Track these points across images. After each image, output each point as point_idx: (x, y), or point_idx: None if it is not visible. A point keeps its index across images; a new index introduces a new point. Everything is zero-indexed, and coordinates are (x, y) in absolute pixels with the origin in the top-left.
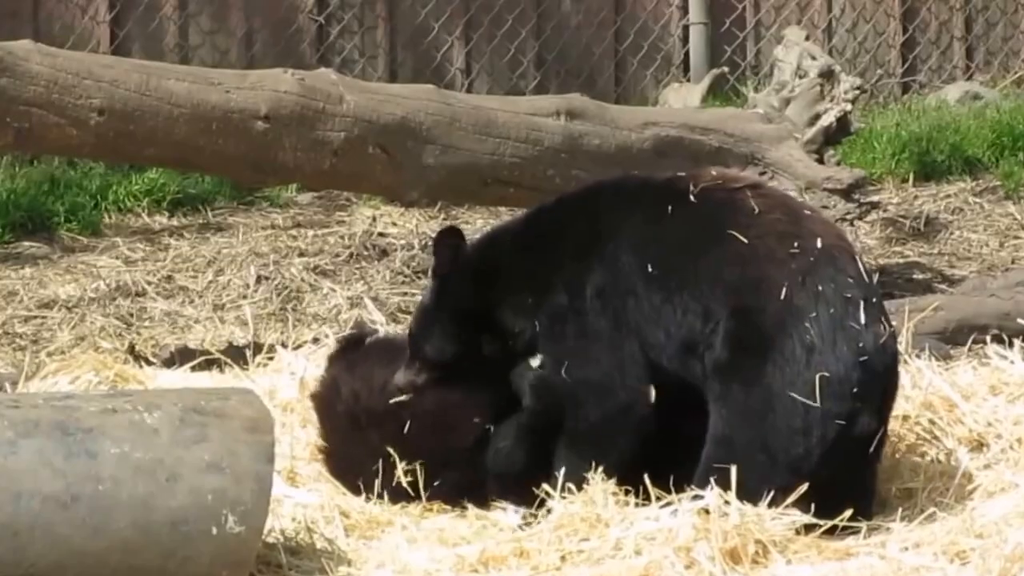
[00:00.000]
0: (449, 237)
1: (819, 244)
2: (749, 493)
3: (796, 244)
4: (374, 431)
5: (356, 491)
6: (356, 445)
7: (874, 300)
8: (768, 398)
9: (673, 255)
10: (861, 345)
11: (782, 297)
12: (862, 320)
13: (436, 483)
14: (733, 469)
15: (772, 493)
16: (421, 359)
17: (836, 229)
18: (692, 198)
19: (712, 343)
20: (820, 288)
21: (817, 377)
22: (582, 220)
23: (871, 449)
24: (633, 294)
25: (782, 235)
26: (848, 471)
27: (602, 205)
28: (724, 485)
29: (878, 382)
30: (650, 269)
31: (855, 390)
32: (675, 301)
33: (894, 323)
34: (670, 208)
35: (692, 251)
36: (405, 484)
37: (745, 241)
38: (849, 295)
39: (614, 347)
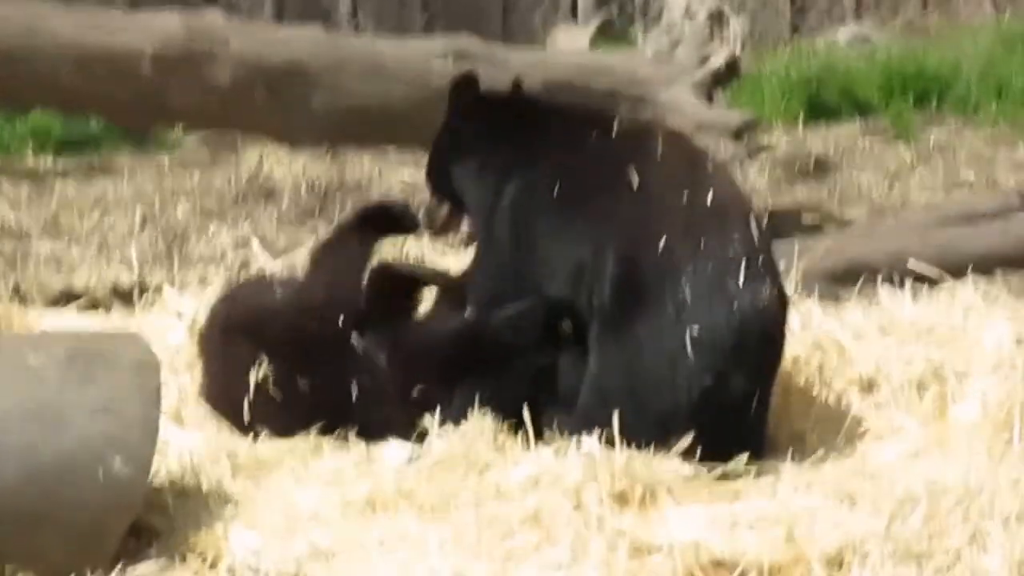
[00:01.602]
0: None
1: (709, 198)
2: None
3: (686, 196)
4: (242, 341)
5: (231, 416)
6: (227, 361)
7: (760, 260)
8: (638, 350)
9: (579, 184)
10: (736, 305)
11: (661, 247)
12: (741, 280)
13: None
14: (615, 415)
15: (643, 443)
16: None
17: (735, 187)
18: (613, 133)
19: (599, 284)
20: (702, 243)
21: (687, 332)
22: (527, 133)
23: (748, 408)
24: (542, 215)
25: (676, 185)
26: (724, 428)
27: (545, 126)
28: (600, 428)
29: (752, 342)
30: (555, 195)
31: (727, 350)
32: (572, 228)
33: (783, 264)
34: (593, 136)
35: (595, 184)
36: (272, 391)
37: (635, 183)
38: (731, 253)
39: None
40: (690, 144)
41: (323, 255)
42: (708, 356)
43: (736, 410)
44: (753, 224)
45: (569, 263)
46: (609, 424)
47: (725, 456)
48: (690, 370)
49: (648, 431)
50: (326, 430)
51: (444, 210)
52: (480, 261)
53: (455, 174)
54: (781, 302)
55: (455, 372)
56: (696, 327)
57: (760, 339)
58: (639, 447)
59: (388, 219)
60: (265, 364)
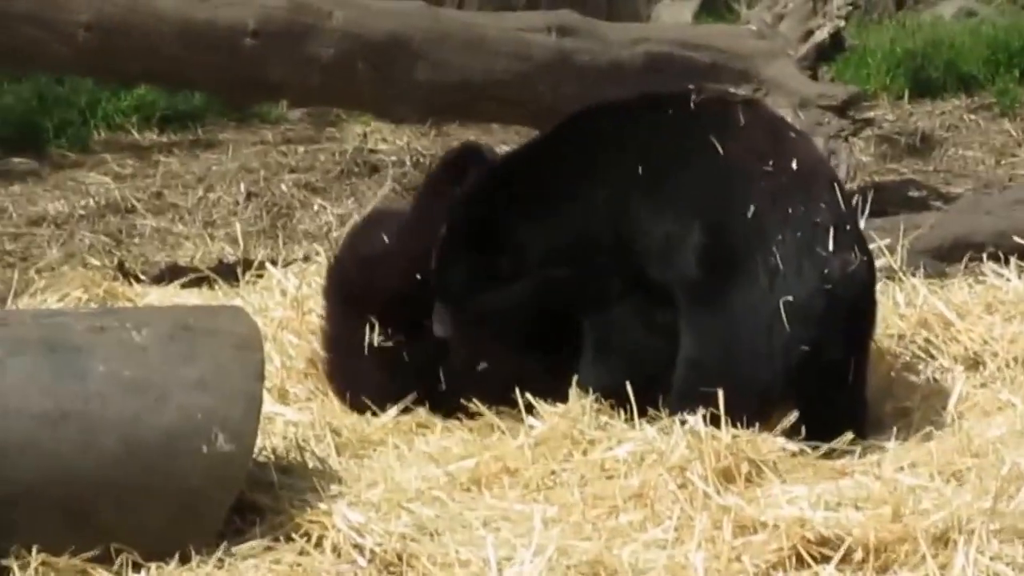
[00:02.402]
0: (468, 157)
1: (794, 165)
2: (717, 409)
3: (771, 163)
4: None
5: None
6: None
7: (847, 227)
8: (732, 322)
9: (660, 159)
10: (827, 272)
11: (750, 215)
12: (830, 246)
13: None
14: (720, 394)
15: (745, 419)
16: (451, 301)
17: (817, 153)
18: (691, 106)
19: (684, 255)
20: (790, 211)
21: (780, 302)
22: (592, 137)
23: (845, 378)
24: (626, 196)
25: (761, 153)
26: (822, 398)
27: (608, 123)
28: (702, 406)
29: (844, 310)
30: (640, 171)
31: (820, 317)
32: (657, 203)
33: (888, 240)
34: (670, 112)
35: (677, 158)
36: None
37: (721, 152)
38: (819, 220)
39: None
40: (770, 113)
41: (416, 205)
42: (802, 324)
43: (834, 378)
44: (838, 191)
45: (657, 237)
46: (708, 399)
47: (827, 426)
48: (786, 339)
49: (748, 403)
50: (425, 396)
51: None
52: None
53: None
54: (870, 269)
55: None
56: (790, 296)
57: (852, 305)
58: (740, 420)
59: (475, 158)
60: (374, 330)
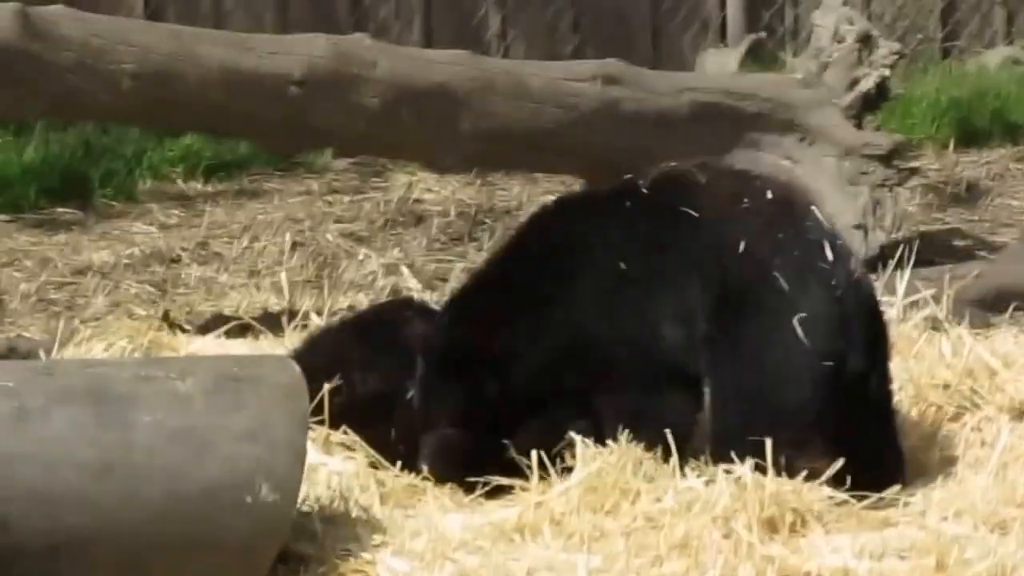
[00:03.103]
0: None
1: (770, 196)
2: (761, 452)
3: (747, 200)
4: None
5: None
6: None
7: (839, 243)
8: (753, 357)
9: (640, 249)
10: (833, 282)
11: (742, 253)
12: (829, 258)
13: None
14: (768, 443)
15: (787, 450)
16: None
17: (788, 184)
18: (644, 190)
19: (694, 319)
20: (780, 236)
21: (795, 321)
22: (551, 249)
23: (873, 387)
24: (616, 293)
25: (732, 196)
26: (867, 441)
27: (564, 228)
28: (747, 453)
29: (858, 317)
30: (623, 267)
31: (836, 326)
32: (652, 293)
33: (934, 290)
34: (628, 204)
35: (655, 239)
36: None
37: (697, 214)
38: (811, 237)
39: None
40: (726, 165)
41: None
42: (821, 338)
43: (862, 392)
44: (818, 214)
45: (666, 317)
46: (748, 442)
47: (874, 473)
48: (807, 357)
49: (783, 430)
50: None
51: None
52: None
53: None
54: (869, 279)
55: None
56: (802, 313)
57: (865, 309)
58: (779, 452)
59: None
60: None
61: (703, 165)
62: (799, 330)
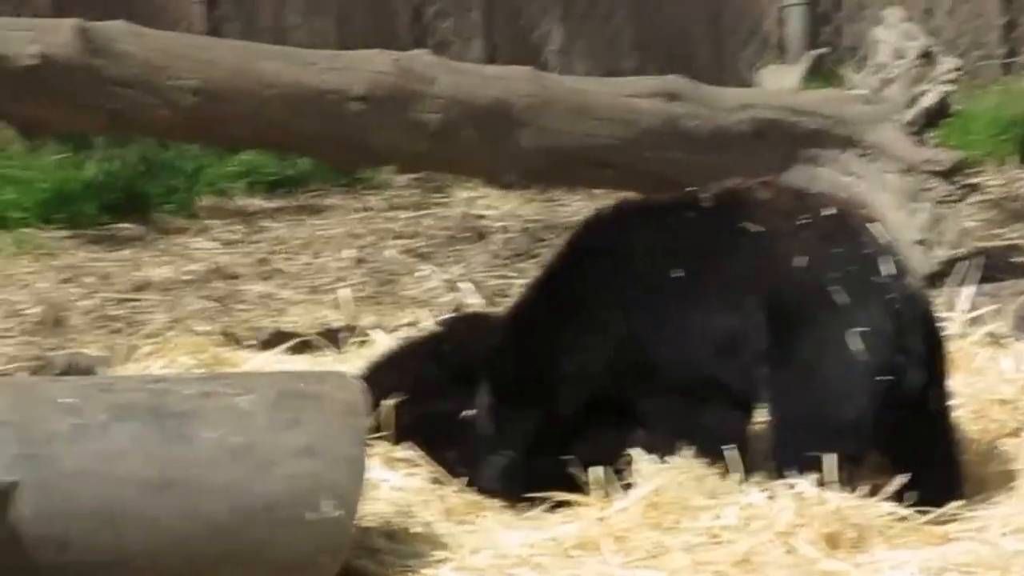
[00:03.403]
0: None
1: (827, 212)
2: (820, 467)
3: (805, 217)
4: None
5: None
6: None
7: (895, 257)
8: (811, 373)
9: (695, 262)
10: (890, 297)
11: (801, 268)
12: (884, 272)
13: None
14: (830, 457)
15: (846, 465)
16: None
17: (846, 199)
18: (704, 203)
19: (749, 336)
20: (837, 251)
21: (853, 335)
22: (607, 259)
23: (932, 408)
24: (667, 311)
25: (790, 212)
26: (916, 433)
27: (620, 236)
28: (806, 468)
29: (916, 330)
30: (681, 278)
31: (893, 339)
32: (707, 306)
33: (995, 306)
34: (687, 216)
35: (712, 253)
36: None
37: (756, 229)
38: (867, 251)
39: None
40: (786, 182)
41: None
42: (879, 351)
43: (921, 405)
44: (874, 229)
45: (714, 332)
46: (808, 457)
47: (930, 487)
48: (865, 371)
49: (842, 444)
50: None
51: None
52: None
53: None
54: (925, 291)
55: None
56: (860, 327)
57: (922, 322)
58: (838, 466)
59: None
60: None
61: (765, 183)
62: (856, 345)
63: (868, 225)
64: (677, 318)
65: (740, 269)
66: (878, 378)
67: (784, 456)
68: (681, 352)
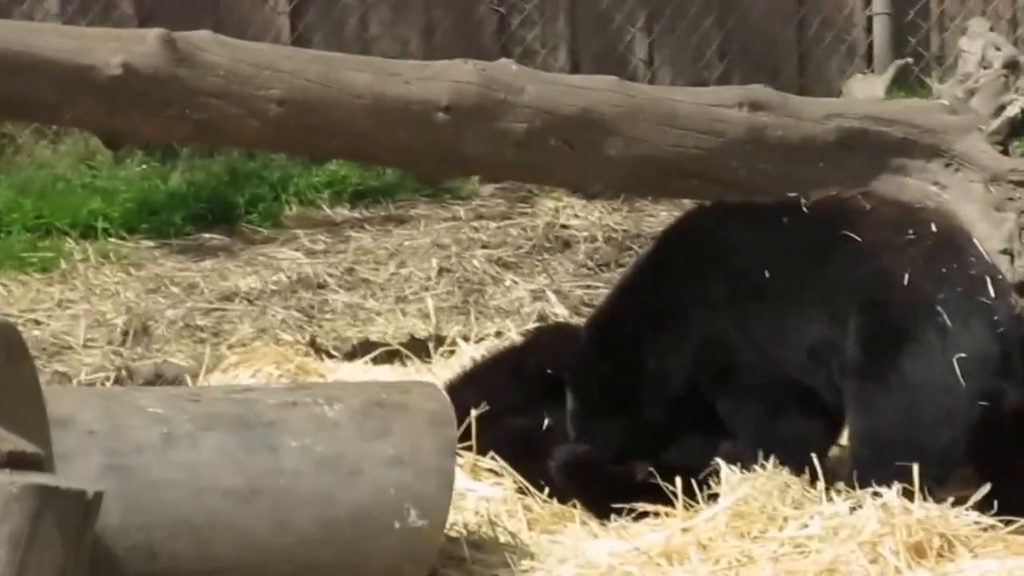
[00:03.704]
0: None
1: (934, 228)
2: (903, 479)
3: (911, 231)
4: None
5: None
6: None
7: (999, 277)
8: (908, 391)
9: (792, 267)
10: (996, 319)
11: (906, 284)
12: (991, 294)
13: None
14: (915, 467)
15: (930, 483)
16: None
17: (949, 215)
18: (805, 210)
19: (841, 345)
20: (944, 270)
21: (955, 360)
22: (698, 267)
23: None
24: (763, 310)
25: (896, 225)
26: (1014, 464)
27: (712, 237)
28: (888, 482)
29: (1019, 353)
30: (773, 283)
31: (997, 364)
32: (800, 312)
33: None
34: (785, 220)
35: (811, 259)
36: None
37: (860, 239)
38: (973, 272)
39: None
40: (889, 194)
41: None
42: (980, 376)
43: (1016, 426)
44: (978, 244)
45: (807, 340)
46: (894, 471)
47: (1017, 495)
48: (964, 396)
49: (931, 468)
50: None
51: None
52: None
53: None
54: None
55: None
56: (963, 352)
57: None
58: (925, 486)
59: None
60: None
61: (867, 193)
62: (958, 369)
63: (973, 242)
64: (765, 321)
65: (839, 278)
66: (978, 404)
67: (868, 471)
68: (770, 357)
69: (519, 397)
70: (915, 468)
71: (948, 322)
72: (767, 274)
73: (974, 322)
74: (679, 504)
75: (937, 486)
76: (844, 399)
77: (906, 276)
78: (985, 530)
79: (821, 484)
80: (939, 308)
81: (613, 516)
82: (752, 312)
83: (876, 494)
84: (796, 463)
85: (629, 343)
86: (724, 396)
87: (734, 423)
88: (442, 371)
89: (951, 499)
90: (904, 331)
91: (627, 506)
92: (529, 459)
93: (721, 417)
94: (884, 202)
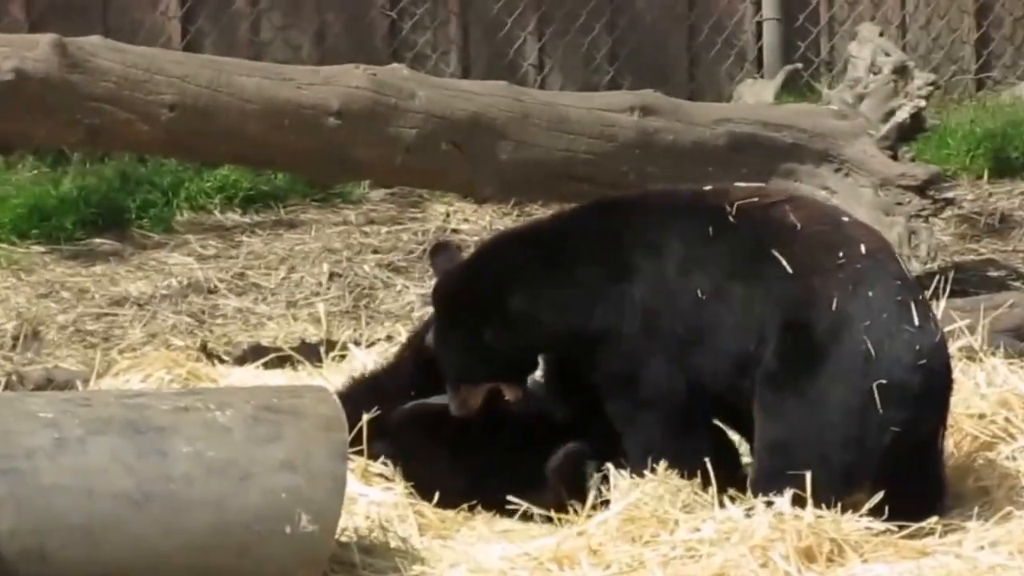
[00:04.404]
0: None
1: (863, 250)
2: (800, 488)
3: (841, 254)
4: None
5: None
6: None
7: (921, 298)
8: (823, 409)
9: (721, 278)
10: (918, 348)
11: (833, 308)
12: (916, 322)
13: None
14: (808, 476)
15: (831, 501)
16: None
17: (875, 232)
18: (731, 218)
19: (762, 358)
20: (871, 294)
21: (875, 386)
22: (614, 238)
23: (933, 453)
24: (682, 319)
25: (827, 246)
26: (910, 473)
27: (636, 224)
28: (788, 487)
29: (938, 382)
30: (699, 294)
31: (916, 395)
32: (727, 325)
33: (968, 321)
34: (711, 229)
35: (740, 274)
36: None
37: (789, 268)
38: (899, 298)
39: (662, 371)
40: (817, 203)
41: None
42: (898, 405)
43: (923, 454)
44: (902, 263)
45: (732, 352)
46: (794, 480)
47: (912, 501)
48: (879, 421)
49: (835, 485)
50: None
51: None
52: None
53: (520, 345)
54: (943, 334)
55: None
56: (884, 379)
57: (943, 376)
58: (826, 501)
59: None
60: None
61: (793, 201)
62: (877, 397)
63: (899, 264)
64: (680, 321)
65: (766, 291)
66: (890, 429)
67: (769, 479)
68: (690, 364)
69: (409, 400)
70: (808, 475)
71: (872, 349)
72: (698, 289)
73: (897, 350)
74: (572, 509)
75: (842, 500)
76: (755, 408)
77: (834, 301)
78: (876, 535)
79: (714, 489)
80: (863, 335)
81: (504, 517)
82: (674, 320)
83: (769, 502)
84: (690, 468)
85: (510, 323)
86: (621, 399)
87: (629, 432)
88: (334, 376)
89: (843, 505)
90: (827, 352)
91: (521, 508)
92: (419, 462)
93: (612, 419)
94: (812, 216)
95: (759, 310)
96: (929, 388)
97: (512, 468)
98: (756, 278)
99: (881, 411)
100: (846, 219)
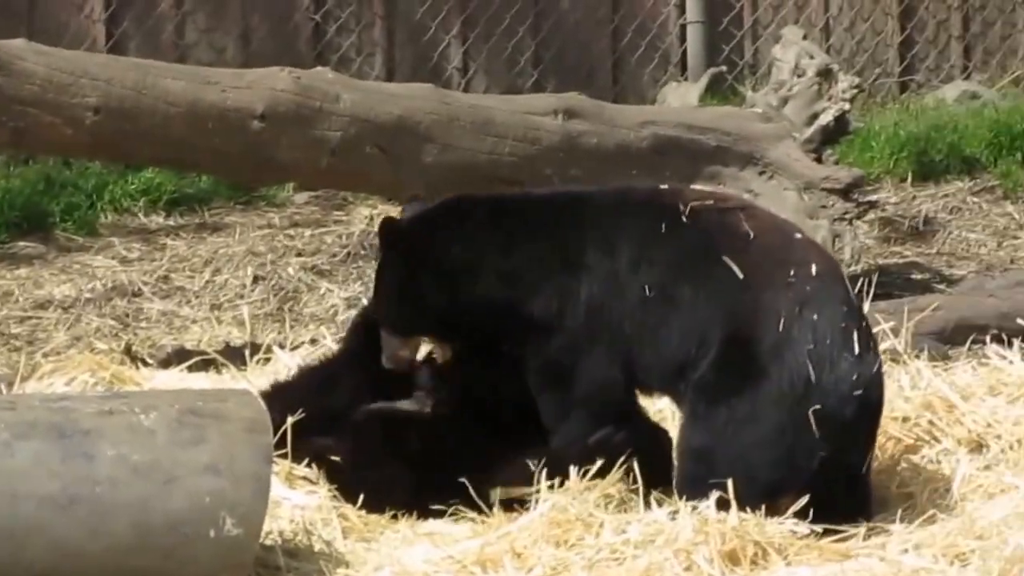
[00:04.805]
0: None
1: (813, 271)
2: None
3: (792, 272)
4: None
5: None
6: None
7: (864, 326)
8: (755, 425)
9: (670, 279)
10: (856, 378)
11: (780, 328)
12: (856, 351)
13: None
14: (730, 482)
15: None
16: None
17: (825, 252)
18: (684, 218)
19: (700, 363)
20: (815, 318)
21: (810, 412)
22: (569, 229)
23: (859, 473)
24: (628, 315)
25: (779, 261)
26: (836, 491)
27: (591, 216)
28: (711, 492)
29: (870, 412)
30: (647, 292)
31: (849, 423)
32: (671, 325)
33: (892, 323)
34: (663, 227)
35: (689, 276)
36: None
37: (740, 274)
38: (844, 324)
39: (601, 366)
40: (770, 216)
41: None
42: (831, 430)
43: (851, 476)
44: (848, 286)
45: (675, 354)
46: (717, 486)
47: (836, 511)
48: (811, 445)
49: (758, 499)
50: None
51: (418, 350)
52: (556, 380)
53: (455, 301)
54: (881, 364)
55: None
56: (819, 404)
57: (877, 405)
58: (749, 508)
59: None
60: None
61: (747, 209)
62: (812, 422)
63: (846, 287)
64: (625, 321)
65: (714, 301)
66: (822, 453)
67: (693, 484)
68: (638, 364)
69: (334, 403)
70: (729, 482)
71: (811, 373)
72: (646, 287)
73: (836, 378)
74: (496, 511)
75: (764, 508)
76: (685, 412)
77: (782, 320)
78: (800, 538)
79: (640, 492)
80: (806, 358)
81: (429, 522)
82: (620, 315)
83: (694, 505)
84: (616, 471)
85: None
86: (555, 392)
87: (557, 424)
88: (258, 379)
89: (767, 508)
90: (767, 371)
91: (444, 510)
92: (342, 466)
93: (542, 412)
94: (765, 227)
95: (704, 314)
96: (861, 417)
97: (465, 470)
98: (704, 281)
99: (814, 436)
100: (798, 236)
